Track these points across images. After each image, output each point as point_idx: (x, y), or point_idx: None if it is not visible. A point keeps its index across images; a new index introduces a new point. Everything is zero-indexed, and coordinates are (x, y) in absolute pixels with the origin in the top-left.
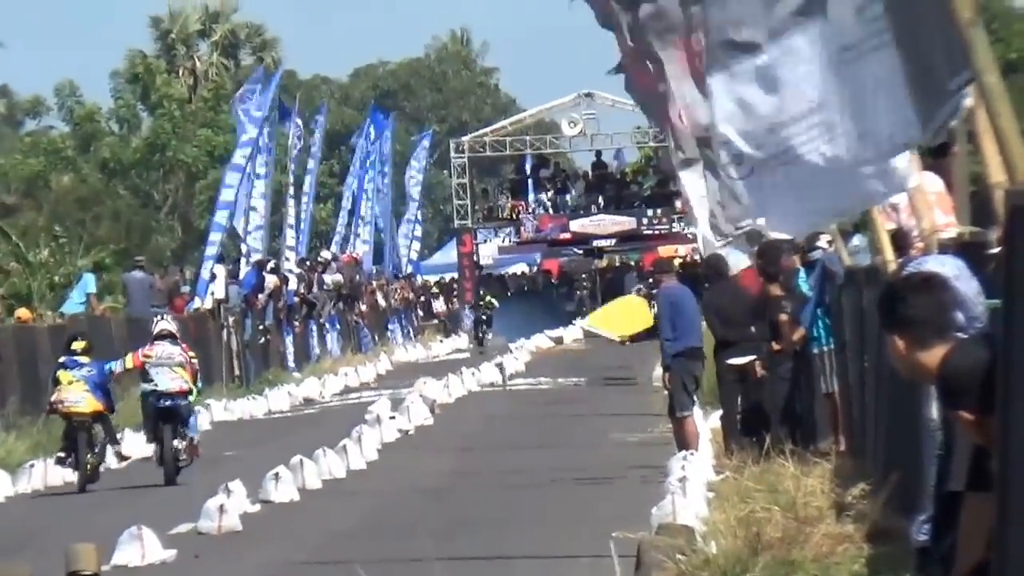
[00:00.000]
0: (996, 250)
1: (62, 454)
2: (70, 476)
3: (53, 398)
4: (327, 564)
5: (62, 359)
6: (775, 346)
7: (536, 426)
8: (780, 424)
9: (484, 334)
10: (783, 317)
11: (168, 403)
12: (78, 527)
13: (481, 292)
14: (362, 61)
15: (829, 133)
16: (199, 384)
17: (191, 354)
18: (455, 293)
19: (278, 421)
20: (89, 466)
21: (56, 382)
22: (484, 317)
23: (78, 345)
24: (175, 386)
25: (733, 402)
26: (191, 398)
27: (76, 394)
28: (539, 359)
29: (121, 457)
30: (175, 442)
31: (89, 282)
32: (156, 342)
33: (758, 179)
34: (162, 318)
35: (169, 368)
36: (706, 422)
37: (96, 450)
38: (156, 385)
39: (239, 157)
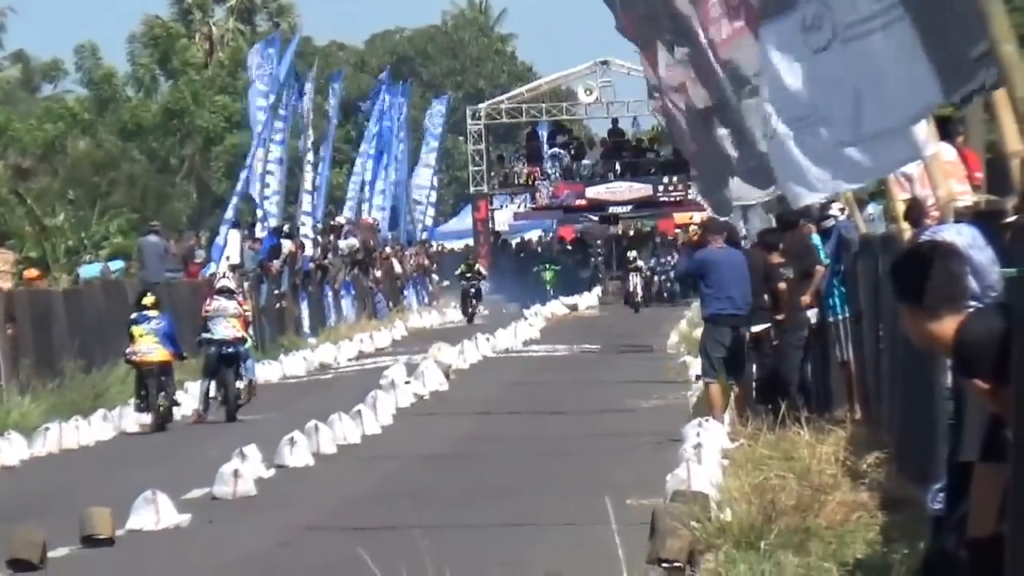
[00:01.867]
0: (1012, 219)
1: (138, 400)
2: (85, 439)
3: (128, 350)
4: (342, 529)
5: (133, 315)
6: (778, 316)
7: (551, 392)
8: (795, 392)
9: (473, 308)
10: (781, 285)
11: (229, 350)
12: (93, 491)
13: (469, 260)
14: (379, 27)
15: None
16: (251, 332)
17: (245, 307)
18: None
19: (293, 386)
20: (162, 408)
21: (130, 336)
22: (473, 290)
23: (147, 300)
24: (230, 334)
25: (748, 371)
26: (247, 345)
27: (148, 345)
28: (554, 326)
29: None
30: (237, 383)
31: (115, 270)
32: (215, 296)
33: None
34: (224, 276)
35: (224, 319)
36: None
37: (167, 393)
38: (213, 335)
39: (257, 122)
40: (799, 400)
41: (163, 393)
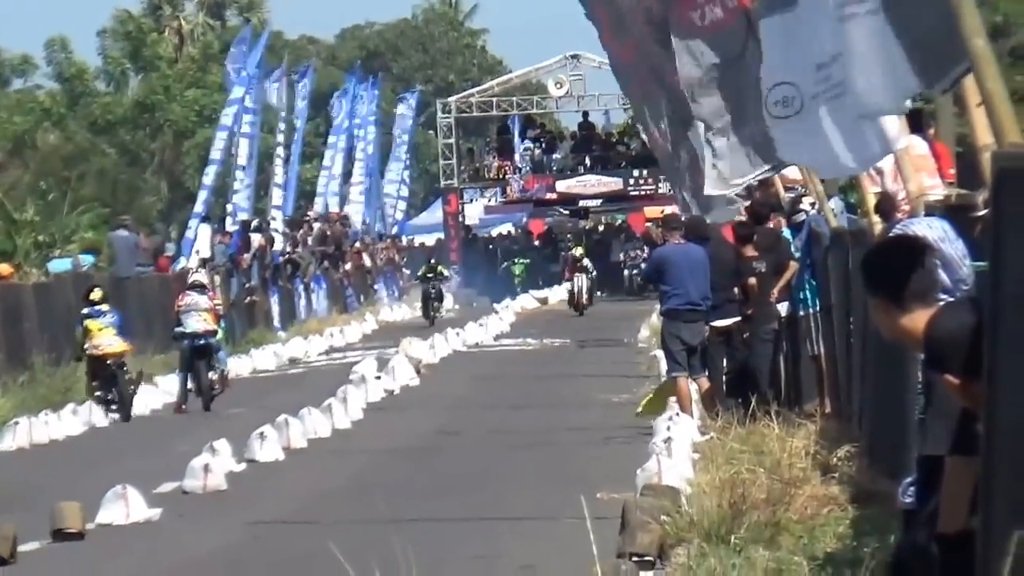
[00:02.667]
0: (983, 212)
1: (99, 392)
2: (55, 434)
3: (86, 345)
4: (312, 523)
5: (85, 310)
6: (748, 310)
7: (521, 386)
8: (766, 386)
9: (435, 310)
10: (751, 280)
11: (201, 342)
12: (63, 485)
13: (431, 261)
14: (349, 22)
15: (841, 86)
16: (222, 325)
17: (216, 301)
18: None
19: (263, 380)
20: (128, 400)
21: (86, 331)
22: (434, 291)
23: (96, 295)
24: (201, 328)
25: (718, 364)
26: (218, 337)
27: (108, 338)
28: (524, 320)
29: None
30: (210, 374)
31: (86, 262)
32: (187, 292)
33: (802, 120)
34: (196, 271)
35: (196, 313)
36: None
37: (132, 386)
38: (186, 328)
39: (226, 117)
40: (769, 394)
41: (126, 381)
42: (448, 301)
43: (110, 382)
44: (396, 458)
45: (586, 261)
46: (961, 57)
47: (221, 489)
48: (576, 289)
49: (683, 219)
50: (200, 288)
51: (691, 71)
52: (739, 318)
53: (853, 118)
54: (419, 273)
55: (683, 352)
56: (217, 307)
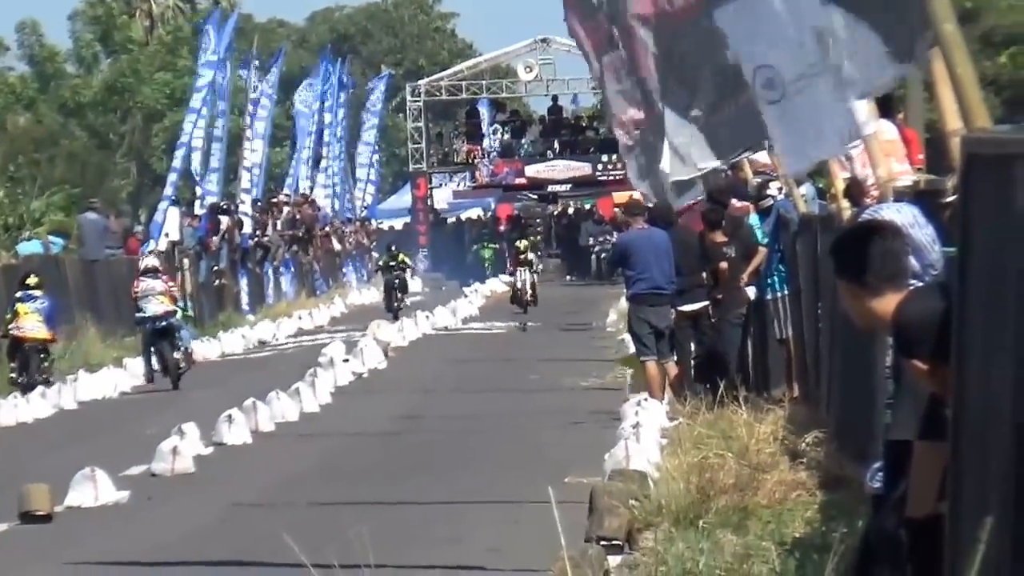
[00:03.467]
0: (952, 198)
1: (13, 375)
2: (23, 416)
3: (11, 326)
4: (279, 506)
5: (19, 294)
6: (717, 295)
7: (490, 370)
8: (734, 371)
9: (399, 302)
10: (722, 265)
11: (162, 323)
12: (31, 468)
13: (392, 248)
14: (319, 5)
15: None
16: (180, 304)
17: (171, 284)
18: None
19: (231, 363)
20: (38, 384)
21: (15, 314)
22: (397, 281)
23: (31, 281)
24: (161, 310)
25: (686, 348)
26: (178, 317)
27: (32, 323)
28: (493, 304)
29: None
30: (175, 354)
31: (56, 245)
32: (141, 278)
33: (784, 105)
34: (146, 255)
35: (154, 296)
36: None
37: (42, 369)
38: (146, 312)
39: (196, 100)
40: (738, 379)
41: (40, 367)
42: (416, 285)
43: (24, 365)
44: (364, 442)
45: (531, 255)
46: (924, 27)
47: (189, 472)
48: (520, 284)
49: (647, 205)
50: (154, 272)
51: (658, 57)
52: (707, 303)
53: (827, 102)
54: (380, 262)
55: (651, 336)
56: (172, 289)
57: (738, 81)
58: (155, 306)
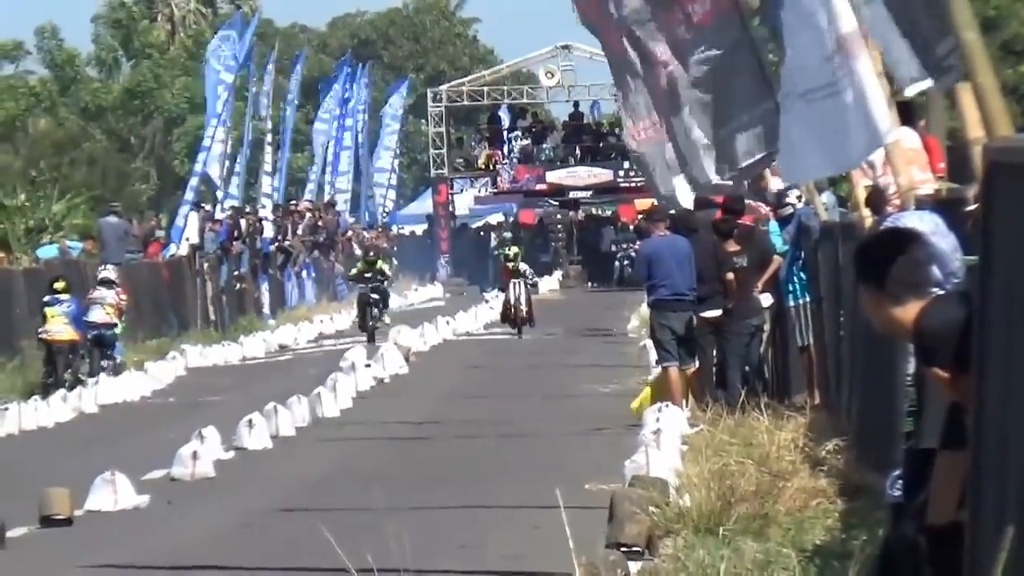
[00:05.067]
0: (974, 207)
1: (46, 378)
2: (44, 420)
3: (40, 330)
4: (299, 511)
5: (46, 298)
6: (727, 304)
7: (511, 376)
8: (754, 378)
9: (375, 320)
10: (729, 276)
11: (96, 332)
12: (52, 471)
13: (370, 255)
14: (340, 10)
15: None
16: (123, 320)
17: (123, 297)
18: None
19: (252, 368)
20: (67, 383)
21: (44, 318)
22: (375, 295)
23: (58, 285)
24: (103, 319)
25: (708, 355)
26: (116, 330)
27: (58, 326)
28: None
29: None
30: (102, 362)
31: (74, 250)
32: (98, 287)
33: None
34: (105, 268)
35: (101, 306)
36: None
37: (73, 369)
38: (88, 319)
39: (217, 104)
40: (744, 388)
41: (69, 369)
42: (437, 290)
43: (53, 367)
44: (385, 447)
45: (523, 265)
46: (947, 64)
47: (209, 476)
48: (512, 300)
49: (668, 211)
50: (109, 283)
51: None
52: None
53: (850, 111)
54: (352, 272)
55: (673, 342)
56: (122, 303)
57: (759, 89)
58: (98, 314)
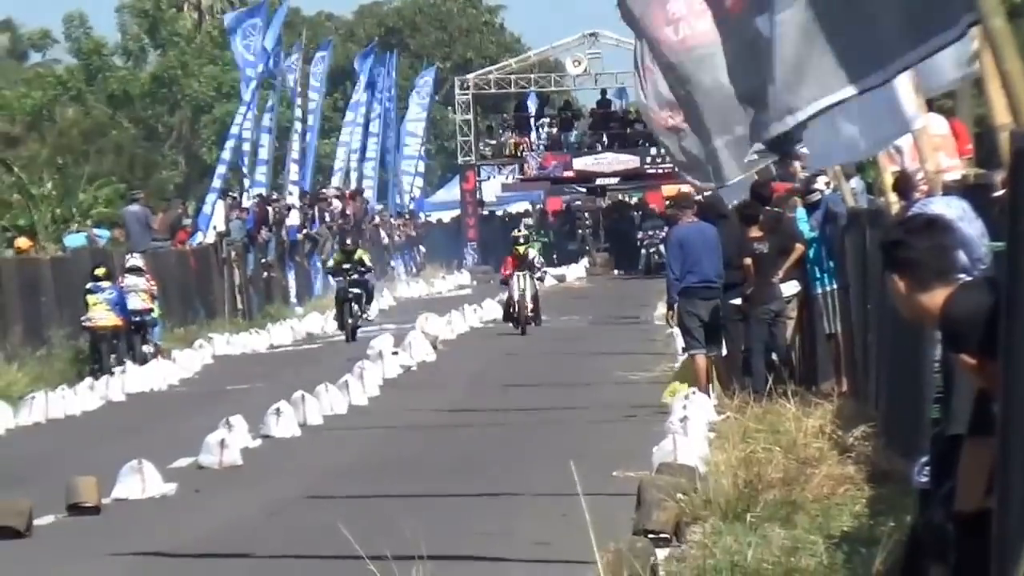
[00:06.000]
0: (1001, 192)
1: (93, 365)
2: (71, 408)
3: (83, 317)
4: (327, 499)
5: (88, 285)
6: (747, 290)
7: (538, 364)
8: (782, 365)
9: (356, 318)
10: (747, 261)
11: (136, 319)
12: (79, 460)
13: (347, 242)
14: None
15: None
16: (156, 303)
17: (152, 283)
18: None
19: (280, 355)
20: (111, 369)
21: (85, 305)
22: (354, 292)
23: (99, 272)
24: (140, 306)
25: (736, 342)
26: (153, 314)
27: (101, 312)
28: (541, 297)
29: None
30: (144, 347)
31: (102, 238)
32: (127, 275)
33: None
34: (131, 256)
35: (135, 293)
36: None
37: (117, 356)
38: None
39: (244, 92)
40: (784, 372)
41: (114, 355)
42: (465, 278)
43: (98, 354)
44: (412, 434)
45: (532, 252)
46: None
47: (236, 465)
48: (516, 295)
49: (695, 198)
50: (137, 271)
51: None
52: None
53: (876, 98)
54: (330, 263)
55: (700, 329)
56: (153, 288)
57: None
58: (134, 302)
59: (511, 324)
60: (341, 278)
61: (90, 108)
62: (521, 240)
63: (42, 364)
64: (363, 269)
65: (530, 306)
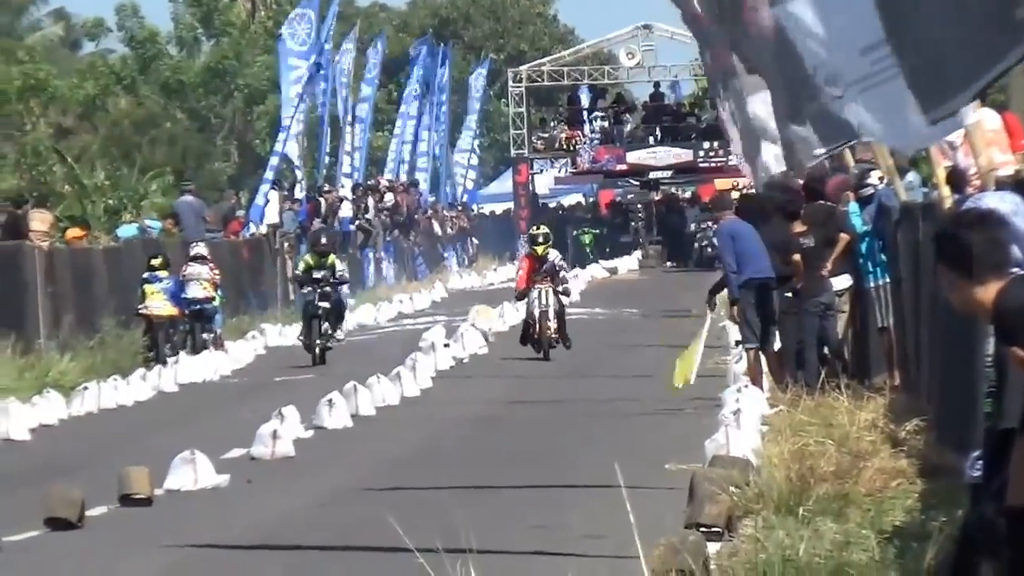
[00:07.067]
0: None
1: (149, 353)
2: (124, 399)
3: (140, 306)
4: (380, 491)
5: (145, 275)
6: (796, 285)
7: (590, 356)
8: (834, 359)
9: (324, 337)
10: (796, 257)
11: (196, 307)
12: (131, 450)
13: (321, 241)
14: None
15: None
16: (219, 292)
17: (216, 272)
18: None
19: (332, 347)
20: (167, 357)
21: (143, 294)
22: (323, 307)
23: (156, 262)
24: (201, 294)
25: (791, 336)
26: (215, 303)
27: (158, 301)
28: (593, 289)
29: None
30: (203, 335)
31: (154, 229)
32: (190, 263)
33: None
34: (196, 244)
35: (198, 282)
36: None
37: (173, 344)
38: (186, 294)
39: (297, 84)
40: (837, 366)
41: (169, 344)
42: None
43: (155, 343)
44: (464, 426)
45: (552, 254)
46: (960, 90)
47: (289, 456)
48: (537, 312)
49: (732, 199)
50: (202, 259)
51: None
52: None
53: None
54: (299, 269)
55: (758, 323)
56: (216, 277)
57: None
58: (196, 290)
59: (531, 346)
60: (309, 289)
61: (143, 99)
62: (540, 239)
63: (94, 354)
64: (335, 280)
65: (553, 325)
